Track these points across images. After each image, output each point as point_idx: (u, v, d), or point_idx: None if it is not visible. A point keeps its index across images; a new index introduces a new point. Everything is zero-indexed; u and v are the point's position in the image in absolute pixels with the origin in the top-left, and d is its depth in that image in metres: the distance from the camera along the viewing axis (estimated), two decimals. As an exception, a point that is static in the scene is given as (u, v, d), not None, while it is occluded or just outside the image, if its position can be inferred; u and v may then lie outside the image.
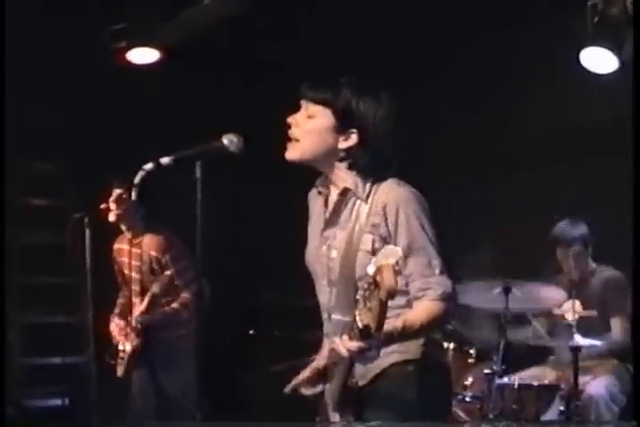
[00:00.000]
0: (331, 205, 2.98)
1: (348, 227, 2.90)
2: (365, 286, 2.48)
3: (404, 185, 2.91)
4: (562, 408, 4.86)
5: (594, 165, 5.85)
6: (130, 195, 4.85)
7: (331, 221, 2.97)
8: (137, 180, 3.01)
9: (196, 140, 3.12)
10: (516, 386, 4.94)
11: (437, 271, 2.83)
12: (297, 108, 2.98)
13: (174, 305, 5.14)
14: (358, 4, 5.64)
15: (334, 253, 2.93)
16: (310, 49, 6.08)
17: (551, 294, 5.18)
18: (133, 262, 5.20)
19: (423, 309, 2.82)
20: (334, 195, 2.97)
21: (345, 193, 2.93)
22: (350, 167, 2.92)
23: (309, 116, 2.92)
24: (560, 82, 5.78)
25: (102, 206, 5.06)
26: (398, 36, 6.01)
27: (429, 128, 6.50)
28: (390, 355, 2.87)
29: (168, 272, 5.09)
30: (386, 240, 2.82)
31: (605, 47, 5.15)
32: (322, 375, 2.96)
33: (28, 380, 6.77)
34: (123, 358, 5.16)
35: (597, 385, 5.10)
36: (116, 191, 5.09)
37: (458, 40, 6.04)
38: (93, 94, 6.51)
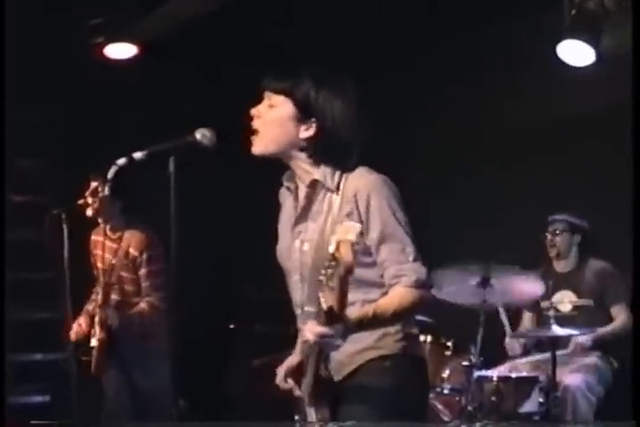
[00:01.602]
0: (301, 199, 2.95)
1: (320, 219, 2.88)
2: (326, 264, 2.46)
3: (373, 173, 2.88)
4: (541, 400, 4.88)
5: (573, 156, 5.88)
6: (104, 188, 4.86)
7: (302, 215, 2.94)
8: (110, 174, 3.00)
9: (172, 134, 3.12)
10: (494, 378, 4.96)
11: (411, 258, 2.81)
12: (261, 101, 2.97)
13: (131, 312, 5.04)
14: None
15: (306, 246, 2.90)
16: (286, 41, 6.08)
17: (528, 288, 5.19)
18: (106, 255, 5.15)
19: (396, 295, 2.79)
20: (303, 188, 2.95)
21: (314, 185, 2.91)
22: (312, 157, 2.90)
23: (271, 106, 2.90)
24: (538, 75, 5.80)
25: (80, 202, 5.02)
26: (378, 31, 6.03)
27: (410, 121, 6.52)
28: (366, 351, 2.86)
29: (142, 271, 5.04)
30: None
31: (583, 40, 5.17)
32: (298, 371, 2.94)
33: (10, 377, 6.74)
34: (93, 355, 5.08)
35: (574, 376, 5.13)
36: (93, 184, 5.04)
37: (436, 34, 6.06)
38: (72, 90, 6.49)
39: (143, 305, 5.05)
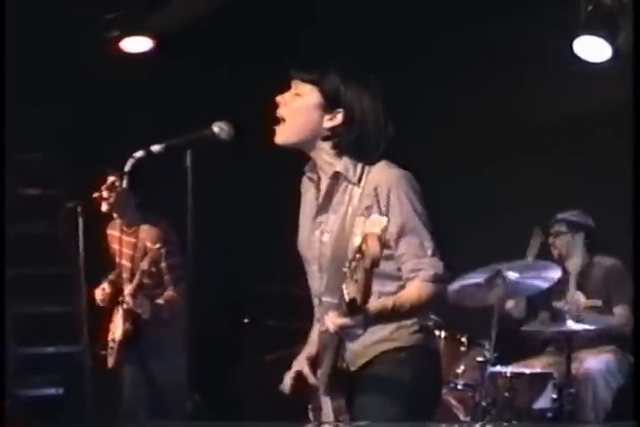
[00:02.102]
0: (322, 190, 2.96)
1: (341, 210, 2.89)
2: (351, 256, 2.47)
3: (395, 167, 2.89)
4: (554, 396, 4.88)
5: (589, 153, 5.86)
6: (121, 182, 4.88)
7: (323, 206, 2.95)
8: (127, 167, 3.01)
9: (188, 128, 3.12)
10: (508, 374, 4.95)
11: (429, 253, 2.82)
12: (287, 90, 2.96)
13: (159, 301, 5.08)
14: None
15: (326, 237, 2.92)
16: (303, 35, 6.08)
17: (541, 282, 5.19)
18: (125, 250, 5.17)
19: (414, 289, 2.81)
20: (325, 179, 2.96)
21: (336, 177, 2.91)
22: (335, 149, 2.90)
23: (297, 95, 2.90)
24: (554, 71, 5.78)
25: (95, 195, 5.03)
26: (392, 24, 6.01)
27: (423, 117, 6.50)
28: (381, 343, 2.88)
29: (163, 264, 5.07)
30: None
31: (599, 36, 5.16)
32: (314, 361, 2.97)
33: (23, 369, 6.76)
34: (112, 348, 5.11)
35: (596, 361, 5.15)
36: (110, 178, 5.05)
37: (451, 29, 6.04)
38: (86, 84, 6.49)
39: (170, 293, 5.08)
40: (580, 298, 5.37)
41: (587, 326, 4.95)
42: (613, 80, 5.33)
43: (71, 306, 6.40)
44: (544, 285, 5.19)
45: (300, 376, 2.99)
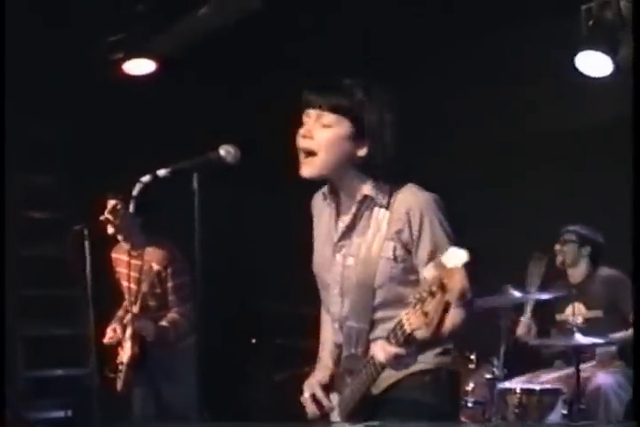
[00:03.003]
0: (347, 214, 2.90)
1: (367, 234, 2.83)
2: (426, 289, 2.41)
3: (423, 190, 2.85)
4: (564, 412, 4.87)
5: (591, 167, 5.87)
6: (125, 206, 4.89)
7: (347, 230, 2.89)
8: (135, 192, 3.01)
9: (193, 150, 3.13)
10: (517, 391, 4.94)
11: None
12: (296, 116, 2.89)
13: (163, 323, 5.06)
14: (352, 12, 5.65)
15: (350, 261, 2.86)
16: (308, 58, 6.10)
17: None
18: (132, 274, 5.17)
19: (449, 316, 2.68)
20: (349, 203, 2.89)
21: (364, 201, 2.85)
22: (362, 172, 2.84)
23: (325, 126, 2.80)
24: (555, 85, 5.79)
25: (101, 218, 5.03)
26: (394, 40, 6.03)
27: (426, 132, 6.51)
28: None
29: (168, 285, 5.07)
30: (407, 246, 2.79)
31: (600, 51, 5.17)
32: (330, 385, 2.96)
33: (31, 392, 6.76)
34: (121, 371, 5.09)
35: (605, 376, 5.14)
36: (111, 202, 5.06)
37: (453, 44, 6.06)
38: (91, 106, 6.52)
39: (174, 315, 5.06)
40: (582, 309, 5.37)
41: (595, 340, 4.94)
42: (615, 94, 5.35)
43: (79, 329, 6.40)
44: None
45: (315, 399, 2.97)
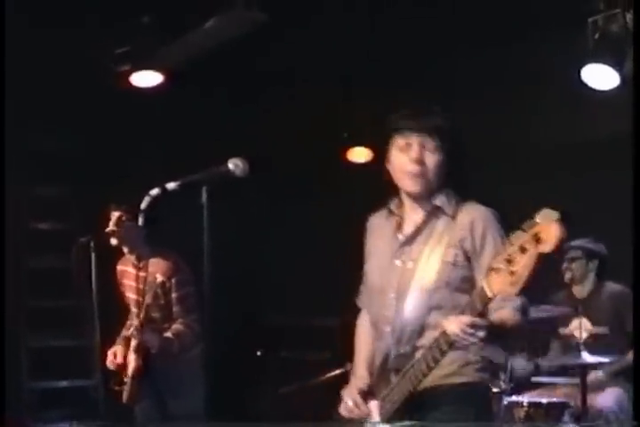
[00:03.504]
0: (411, 223, 3.17)
1: (430, 241, 3.10)
2: (515, 249, 2.61)
3: (484, 206, 3.14)
4: (572, 426, 4.85)
5: (596, 180, 5.87)
6: (129, 217, 4.89)
7: (410, 237, 3.15)
8: (143, 205, 3.02)
9: (199, 163, 3.14)
10: (525, 404, 4.93)
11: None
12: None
13: (168, 335, 5.03)
14: (356, 25, 5.66)
15: (410, 265, 3.10)
16: (315, 70, 6.12)
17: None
18: (137, 286, 5.11)
19: (510, 313, 2.96)
20: (415, 212, 3.17)
21: (434, 211, 3.13)
22: (438, 187, 3.13)
23: (430, 150, 3.11)
24: (561, 98, 5.80)
25: (107, 230, 5.03)
26: (397, 49, 6.04)
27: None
28: (449, 377, 3.05)
29: (172, 295, 5.06)
30: (468, 254, 3.04)
31: (606, 63, 5.18)
32: (369, 393, 3.18)
33: (36, 403, 6.76)
34: (127, 383, 5.05)
35: (607, 398, 5.11)
36: (115, 214, 5.04)
37: (459, 56, 6.07)
38: (97, 118, 6.54)
39: (178, 326, 5.04)
40: (587, 325, 5.36)
41: (602, 359, 4.93)
42: (621, 107, 5.35)
43: (84, 340, 6.40)
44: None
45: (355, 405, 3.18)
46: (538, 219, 2.59)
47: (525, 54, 5.86)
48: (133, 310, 5.15)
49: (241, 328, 6.72)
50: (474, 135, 6.20)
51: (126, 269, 5.24)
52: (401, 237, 3.17)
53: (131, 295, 5.20)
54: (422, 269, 3.07)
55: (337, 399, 5.39)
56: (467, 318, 2.78)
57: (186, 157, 5.59)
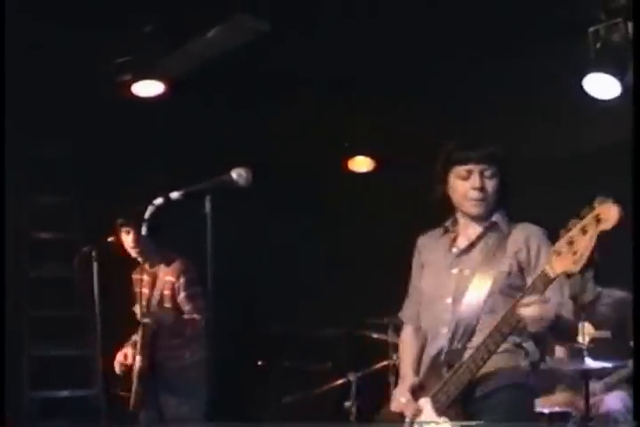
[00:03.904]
0: (466, 238, 3.54)
1: (486, 253, 3.47)
2: (576, 231, 2.97)
3: (536, 226, 3.52)
4: (576, 430, 4.85)
5: (599, 189, 5.85)
6: (137, 230, 4.94)
7: (467, 250, 3.52)
8: (147, 215, 3.03)
9: (201, 172, 3.14)
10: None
11: (567, 294, 3.39)
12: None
13: (186, 316, 5.13)
14: (358, 34, 5.67)
15: (467, 272, 3.46)
16: (316, 79, 6.12)
17: None
18: (147, 291, 5.24)
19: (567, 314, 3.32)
20: (472, 227, 3.54)
21: (491, 226, 3.51)
22: (496, 206, 3.51)
23: (489, 177, 3.47)
24: (563, 108, 5.80)
25: (110, 239, 5.06)
26: (398, 63, 6.05)
27: (432, 150, 6.52)
28: (504, 377, 3.37)
29: (181, 295, 5.11)
30: (521, 265, 3.42)
31: (608, 73, 5.19)
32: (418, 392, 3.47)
33: (37, 413, 6.74)
34: (132, 389, 5.13)
35: (613, 400, 5.10)
36: (125, 228, 5.12)
37: (460, 66, 6.07)
38: (99, 127, 6.54)
39: (187, 316, 5.12)
40: (590, 329, 5.35)
41: (605, 365, 4.91)
42: (623, 116, 5.36)
43: (86, 349, 6.40)
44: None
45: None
46: (596, 203, 2.93)
47: (527, 64, 5.86)
48: (145, 320, 5.18)
49: (242, 337, 6.71)
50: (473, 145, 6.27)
51: (142, 277, 5.32)
52: (455, 249, 3.53)
53: (144, 303, 5.26)
54: (478, 276, 3.41)
55: (339, 409, 5.40)
56: (533, 298, 3.09)
57: (188, 166, 5.59)
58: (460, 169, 3.48)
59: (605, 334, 5.31)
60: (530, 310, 3.13)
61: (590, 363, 4.79)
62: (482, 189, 3.46)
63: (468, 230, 3.55)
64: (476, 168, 3.47)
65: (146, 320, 5.13)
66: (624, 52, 5.14)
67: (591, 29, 5.22)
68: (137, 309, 5.27)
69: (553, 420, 4.92)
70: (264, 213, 6.83)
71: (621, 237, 5.17)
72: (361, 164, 7.33)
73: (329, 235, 7.23)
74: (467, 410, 3.34)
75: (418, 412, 3.45)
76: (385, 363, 5.52)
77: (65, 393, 6.80)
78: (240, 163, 3.13)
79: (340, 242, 7.31)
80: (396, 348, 5.51)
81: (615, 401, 5.11)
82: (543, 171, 6.16)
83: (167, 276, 5.17)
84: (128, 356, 5.17)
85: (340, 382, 5.48)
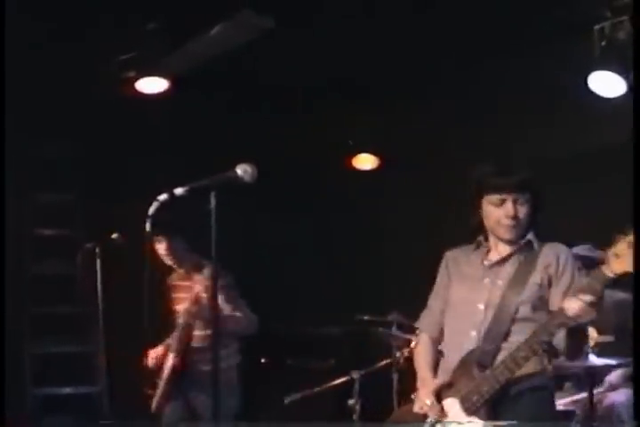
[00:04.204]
0: (498, 253, 3.72)
1: (518, 266, 3.65)
2: (620, 238, 3.24)
3: (563, 245, 3.74)
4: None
5: (605, 188, 5.85)
6: (169, 238, 5.01)
7: (499, 262, 3.70)
8: (151, 211, 3.02)
9: (204, 169, 3.13)
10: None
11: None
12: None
13: (229, 313, 5.18)
14: (361, 32, 5.66)
15: (500, 283, 3.65)
16: (320, 75, 6.11)
17: None
18: (185, 295, 5.28)
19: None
20: (502, 247, 3.71)
21: (527, 244, 3.68)
22: (530, 227, 3.68)
23: (522, 204, 3.62)
24: (568, 106, 5.79)
25: (113, 236, 5.05)
26: (402, 60, 6.04)
27: (435, 151, 6.52)
28: (530, 380, 3.53)
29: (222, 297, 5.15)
30: (550, 279, 3.62)
31: (613, 71, 5.17)
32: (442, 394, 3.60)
33: (40, 410, 6.74)
34: (159, 387, 5.24)
35: (618, 394, 5.10)
36: (157, 237, 5.17)
37: (464, 65, 6.06)
38: (102, 124, 6.53)
39: (230, 313, 5.17)
40: (593, 333, 5.33)
41: (609, 362, 4.91)
42: (628, 115, 5.34)
43: (88, 346, 6.40)
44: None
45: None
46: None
47: (531, 62, 5.85)
48: (181, 320, 5.24)
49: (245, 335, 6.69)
50: (478, 146, 6.27)
51: (178, 283, 5.40)
52: (487, 262, 3.71)
53: (179, 307, 5.31)
54: (511, 286, 3.60)
55: (341, 407, 5.39)
56: (589, 297, 3.29)
57: (191, 163, 5.59)
58: (494, 198, 3.62)
59: (608, 338, 5.31)
60: (575, 305, 3.31)
61: (594, 360, 4.80)
62: (515, 217, 3.61)
63: (501, 245, 3.73)
64: (509, 197, 3.61)
65: (181, 320, 5.19)
66: (629, 49, 5.12)
67: (596, 27, 5.20)
68: (179, 311, 5.31)
69: (557, 419, 4.91)
70: (266, 211, 6.82)
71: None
72: (364, 161, 7.32)
73: (333, 232, 7.23)
74: (495, 410, 3.46)
75: (444, 413, 3.57)
76: (388, 361, 5.50)
77: (68, 390, 6.80)
78: (243, 160, 3.11)
79: (345, 240, 7.30)
80: (398, 346, 5.51)
81: (619, 395, 5.10)
82: (547, 169, 6.12)
83: (202, 280, 5.20)
84: (160, 353, 5.26)
85: (343, 379, 5.46)
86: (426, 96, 6.40)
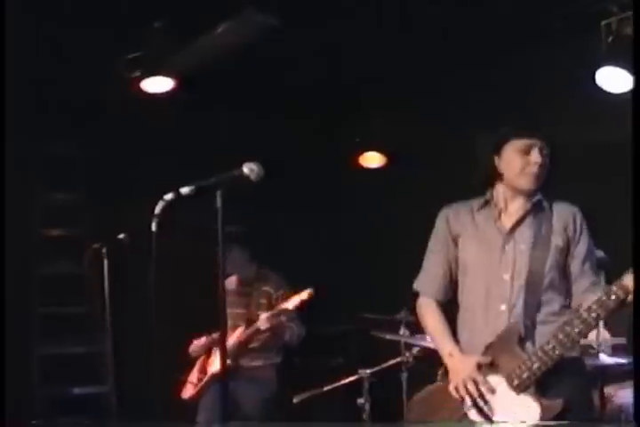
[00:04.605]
0: (512, 213, 3.60)
1: (535, 228, 3.55)
2: None
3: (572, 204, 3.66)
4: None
5: (613, 183, 5.82)
6: (229, 248, 5.18)
7: (516, 225, 3.57)
8: (157, 210, 3.01)
9: (212, 168, 3.12)
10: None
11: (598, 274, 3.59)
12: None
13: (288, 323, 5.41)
14: (369, 31, 5.65)
15: (523, 247, 3.52)
16: (328, 73, 6.10)
17: None
18: (243, 300, 5.54)
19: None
20: (516, 205, 3.60)
21: (537, 204, 3.58)
22: (539, 184, 3.58)
23: (544, 156, 3.56)
24: (576, 101, 5.77)
25: (120, 236, 5.03)
26: (411, 57, 6.03)
27: (442, 146, 6.51)
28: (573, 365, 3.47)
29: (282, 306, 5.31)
30: (569, 240, 3.54)
31: (620, 66, 5.16)
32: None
33: (48, 410, 6.74)
34: (200, 380, 5.52)
35: (624, 394, 5.07)
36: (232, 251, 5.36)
37: (472, 62, 6.05)
38: (109, 123, 6.53)
39: (288, 323, 5.42)
40: (606, 335, 5.31)
41: (621, 360, 4.89)
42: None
43: (96, 347, 6.40)
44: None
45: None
46: None
47: (539, 58, 5.83)
48: (238, 323, 5.46)
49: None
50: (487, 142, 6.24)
51: (232, 287, 5.56)
52: (502, 225, 3.58)
53: (235, 310, 5.47)
54: (535, 250, 3.49)
55: (351, 405, 5.36)
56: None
57: (198, 162, 5.58)
58: (521, 143, 3.54)
59: (621, 340, 5.29)
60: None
61: (606, 359, 4.78)
62: (541, 164, 3.53)
63: (512, 205, 3.61)
64: (538, 143, 3.55)
65: (244, 324, 5.43)
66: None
67: (603, 23, 5.19)
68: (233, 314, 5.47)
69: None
70: (273, 208, 6.82)
71: (621, 236, 5.18)
72: (372, 159, 7.31)
73: (340, 230, 7.22)
74: (543, 387, 3.36)
75: (489, 390, 3.44)
76: (398, 360, 5.48)
77: (76, 391, 6.80)
78: (250, 158, 3.10)
79: (353, 237, 7.29)
80: (407, 345, 5.50)
81: (626, 394, 5.08)
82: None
83: (264, 286, 5.51)
84: (205, 341, 5.56)
85: (352, 378, 5.45)
86: (433, 94, 6.39)
